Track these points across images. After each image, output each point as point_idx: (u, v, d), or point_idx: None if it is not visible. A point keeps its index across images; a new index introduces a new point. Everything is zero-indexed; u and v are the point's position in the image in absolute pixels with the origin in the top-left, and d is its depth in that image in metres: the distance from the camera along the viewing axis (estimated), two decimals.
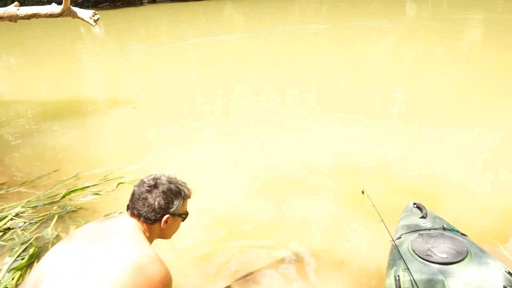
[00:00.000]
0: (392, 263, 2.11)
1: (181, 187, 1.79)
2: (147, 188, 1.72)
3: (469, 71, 7.55)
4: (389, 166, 3.87)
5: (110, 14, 18.72)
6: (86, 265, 1.45)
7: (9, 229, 3.21)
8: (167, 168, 4.07)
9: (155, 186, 1.72)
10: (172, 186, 1.75)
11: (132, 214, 1.70)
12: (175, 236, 1.85)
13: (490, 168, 3.73)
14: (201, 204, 3.36)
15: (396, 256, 2.14)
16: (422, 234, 2.20)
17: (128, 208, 1.73)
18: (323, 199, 3.36)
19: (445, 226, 2.28)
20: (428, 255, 2.04)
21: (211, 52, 10.35)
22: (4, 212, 3.42)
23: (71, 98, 7.04)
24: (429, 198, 3.11)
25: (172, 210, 1.73)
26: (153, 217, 1.69)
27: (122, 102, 6.68)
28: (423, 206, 2.52)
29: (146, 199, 1.70)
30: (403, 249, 2.15)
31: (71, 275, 1.42)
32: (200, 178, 3.89)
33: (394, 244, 2.19)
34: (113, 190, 3.71)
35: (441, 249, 2.07)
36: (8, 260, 2.82)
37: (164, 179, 1.76)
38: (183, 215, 1.82)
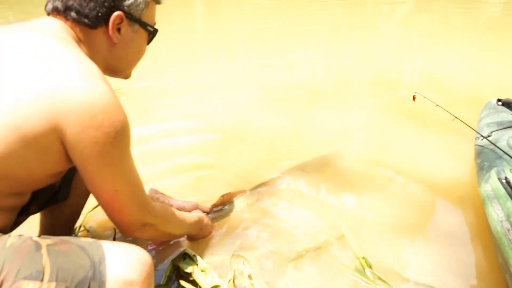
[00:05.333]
0: (487, 165, 1.49)
1: None
2: None
3: None
4: (440, 79, 3.18)
5: None
6: None
7: None
8: (157, 80, 3.40)
9: None
10: None
11: (55, 10, 0.98)
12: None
13: None
14: (203, 113, 2.72)
15: (492, 155, 1.51)
16: None
17: (47, 3, 1.01)
18: (361, 109, 2.69)
19: None
20: None
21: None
22: None
23: None
24: None
25: (127, 3, 1.02)
26: (93, 13, 0.97)
27: None
28: None
29: None
30: (502, 146, 1.52)
31: None
32: (203, 92, 3.20)
33: (488, 141, 1.56)
34: None
35: None
36: None
37: None
38: (149, 28, 1.11)
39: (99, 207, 1.57)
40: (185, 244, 1.49)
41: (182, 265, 1.30)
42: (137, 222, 1.06)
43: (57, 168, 0.93)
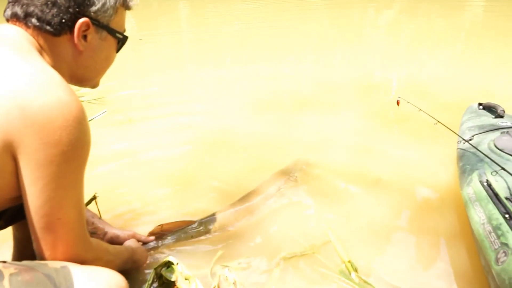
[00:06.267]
0: (469, 168, 1.51)
1: None
2: None
3: None
4: (424, 84, 3.22)
5: None
6: None
7: None
8: (142, 88, 3.36)
9: None
10: None
11: (14, 17, 0.91)
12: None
13: None
14: (188, 121, 2.68)
15: (474, 159, 1.53)
16: (507, 132, 1.60)
17: (6, 9, 0.93)
18: (346, 115, 2.70)
19: None
20: None
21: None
22: None
23: None
24: None
25: (93, 9, 0.95)
26: (55, 19, 0.90)
27: None
28: (497, 105, 1.90)
29: None
30: (483, 150, 1.54)
31: None
32: (187, 100, 3.16)
33: (470, 144, 1.58)
34: None
35: None
36: None
37: None
38: (118, 35, 1.04)
39: None
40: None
41: (165, 273, 1.28)
42: (70, 259, 0.92)
43: (13, 193, 0.84)
